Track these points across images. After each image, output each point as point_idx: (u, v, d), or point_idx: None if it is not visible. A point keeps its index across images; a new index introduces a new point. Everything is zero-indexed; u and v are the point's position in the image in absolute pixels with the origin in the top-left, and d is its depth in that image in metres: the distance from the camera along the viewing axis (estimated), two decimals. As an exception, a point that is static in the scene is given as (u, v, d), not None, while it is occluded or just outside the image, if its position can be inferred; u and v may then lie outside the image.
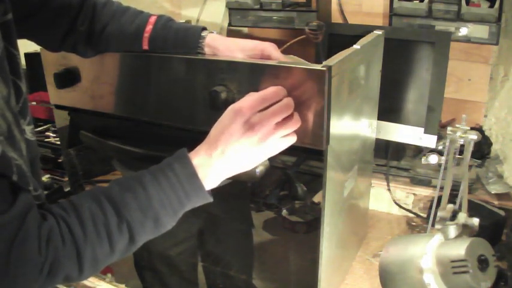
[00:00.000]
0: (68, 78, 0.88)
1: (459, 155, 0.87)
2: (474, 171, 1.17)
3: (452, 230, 0.75)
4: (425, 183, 1.18)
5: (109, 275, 1.04)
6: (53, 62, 0.89)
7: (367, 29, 0.96)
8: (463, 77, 1.25)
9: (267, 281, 1.02)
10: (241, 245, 1.04)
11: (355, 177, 0.91)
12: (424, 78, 1.11)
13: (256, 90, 0.68)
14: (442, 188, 0.86)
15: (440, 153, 0.90)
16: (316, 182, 0.74)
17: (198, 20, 1.53)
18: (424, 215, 1.16)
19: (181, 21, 0.82)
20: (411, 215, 1.19)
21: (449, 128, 0.86)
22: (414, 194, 1.19)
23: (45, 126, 1.52)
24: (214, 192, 0.64)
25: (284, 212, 0.90)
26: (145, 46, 0.77)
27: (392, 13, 1.20)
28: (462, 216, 0.78)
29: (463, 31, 1.14)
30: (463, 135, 0.85)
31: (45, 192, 1.25)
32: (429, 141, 1.12)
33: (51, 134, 1.48)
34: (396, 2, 1.18)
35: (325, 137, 0.68)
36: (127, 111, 0.86)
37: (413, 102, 1.13)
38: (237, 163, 0.63)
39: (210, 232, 1.05)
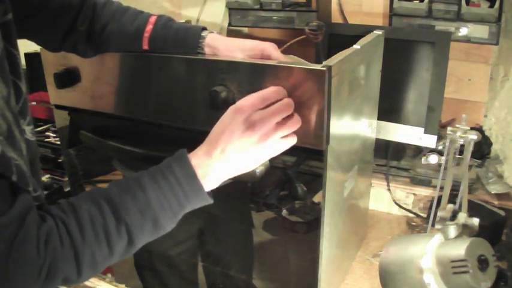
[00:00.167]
0: (68, 78, 0.88)
1: (459, 155, 0.87)
2: (474, 171, 1.17)
3: (452, 230, 0.75)
4: (425, 183, 1.18)
5: (109, 275, 1.04)
6: (53, 62, 0.89)
7: (367, 29, 0.96)
8: (463, 77, 1.25)
9: (267, 281, 1.02)
10: (241, 245, 1.04)
11: (355, 177, 0.91)
12: (424, 78, 1.11)
13: (257, 90, 0.68)
14: (442, 188, 0.86)
15: (440, 153, 0.90)
16: (316, 182, 0.74)
17: (198, 20, 1.53)
18: (424, 215, 1.16)
19: (181, 21, 0.82)
20: (411, 215, 1.19)
21: (449, 128, 0.86)
22: (414, 194, 1.19)
23: (45, 126, 1.52)
24: (215, 192, 0.64)
25: (284, 212, 0.90)
26: (145, 46, 0.77)
27: (392, 13, 1.20)
28: (462, 216, 0.78)
29: (463, 31, 1.14)
30: (463, 135, 0.85)
31: (45, 192, 1.25)
32: (429, 141, 1.12)
33: (51, 134, 1.48)
34: (396, 2, 1.18)
35: (325, 137, 0.68)
36: (127, 111, 0.86)
37: (413, 102, 1.13)
38: (237, 163, 0.62)
39: (210, 232, 1.05)
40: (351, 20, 1.32)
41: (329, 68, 0.64)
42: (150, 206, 0.58)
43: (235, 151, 0.61)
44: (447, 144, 0.87)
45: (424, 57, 1.10)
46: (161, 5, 1.60)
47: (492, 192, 1.10)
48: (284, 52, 0.83)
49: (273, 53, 0.73)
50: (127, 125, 0.88)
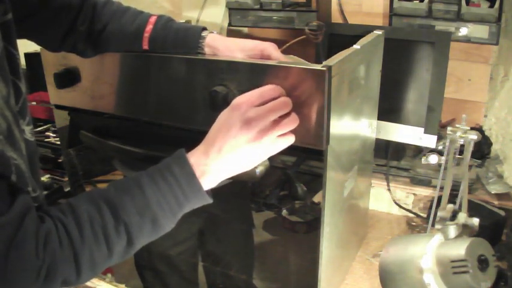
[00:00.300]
0: (68, 78, 0.88)
1: (459, 155, 0.87)
2: (474, 171, 1.17)
3: (452, 230, 0.75)
4: (425, 183, 1.18)
5: (109, 275, 1.04)
6: (53, 62, 0.89)
7: (367, 29, 0.96)
8: (463, 77, 1.25)
9: (267, 281, 1.02)
10: (241, 245, 1.04)
11: (355, 177, 0.91)
12: (424, 78, 1.11)
13: (256, 90, 0.68)
14: (442, 188, 0.86)
15: (440, 153, 0.90)
16: (316, 182, 0.74)
17: (198, 20, 1.53)
18: (424, 215, 1.16)
19: (181, 21, 0.82)
20: (411, 215, 1.19)
21: (449, 128, 0.86)
22: (414, 194, 1.19)
23: (45, 126, 1.52)
24: (215, 192, 0.64)
25: (284, 212, 0.90)
26: (146, 46, 0.77)
27: (392, 13, 1.20)
28: (462, 216, 0.78)
29: (463, 31, 1.14)
30: (463, 135, 0.85)
31: (45, 192, 1.25)
32: (429, 141, 1.12)
33: (51, 134, 1.48)
34: (396, 2, 1.18)
35: (325, 137, 0.68)
36: (127, 111, 0.86)
37: (413, 102, 1.13)
38: (234, 162, 0.62)
39: (211, 232, 1.05)
40: (351, 20, 1.32)
41: (329, 68, 0.64)
42: (149, 206, 0.58)
43: (232, 149, 0.61)
44: (447, 144, 0.87)
45: (424, 57, 1.10)
46: (161, 5, 1.60)
47: (492, 192, 1.10)
48: (284, 52, 0.83)
49: (273, 53, 0.73)
50: (127, 125, 0.88)
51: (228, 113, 0.62)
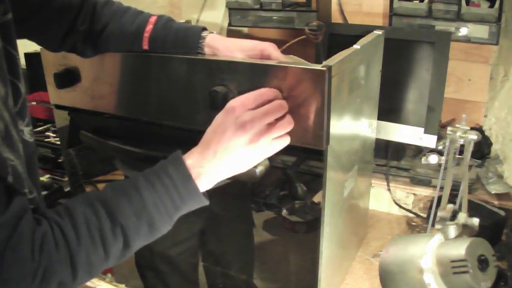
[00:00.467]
0: (68, 78, 0.88)
1: (459, 155, 0.87)
2: (474, 171, 1.17)
3: (452, 230, 0.76)
4: (425, 183, 1.18)
5: (109, 275, 1.04)
6: (53, 62, 0.89)
7: (367, 29, 0.96)
8: (463, 77, 1.25)
9: (267, 280, 1.02)
10: (241, 245, 1.04)
11: (355, 177, 0.91)
12: (424, 78, 1.11)
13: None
14: (442, 188, 0.86)
15: (440, 153, 0.90)
16: (316, 182, 0.74)
17: (198, 20, 1.53)
18: (424, 215, 1.16)
19: (181, 21, 0.82)
20: (411, 215, 1.19)
21: (449, 128, 0.86)
22: (414, 194, 1.19)
23: (45, 126, 1.52)
24: (215, 192, 0.64)
25: (284, 212, 0.90)
26: (145, 46, 0.77)
27: (392, 13, 1.20)
28: (462, 216, 0.78)
29: (463, 31, 1.14)
30: (463, 135, 0.85)
31: (45, 192, 1.25)
32: (429, 141, 1.12)
33: (51, 134, 1.48)
34: (396, 2, 1.18)
35: (325, 137, 0.68)
36: (127, 111, 0.86)
37: (413, 102, 1.13)
38: (230, 164, 0.62)
39: (211, 232, 1.05)
40: (351, 20, 1.32)
41: (329, 68, 0.64)
42: (145, 208, 0.58)
43: (227, 151, 0.61)
44: (447, 144, 0.87)
45: (424, 57, 1.10)
46: (161, 5, 1.60)
47: (492, 192, 1.10)
48: (284, 52, 0.83)
49: (273, 53, 0.73)
50: (127, 125, 0.88)
51: (222, 116, 0.62)
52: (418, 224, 1.16)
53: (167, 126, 0.81)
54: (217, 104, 0.70)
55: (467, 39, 1.15)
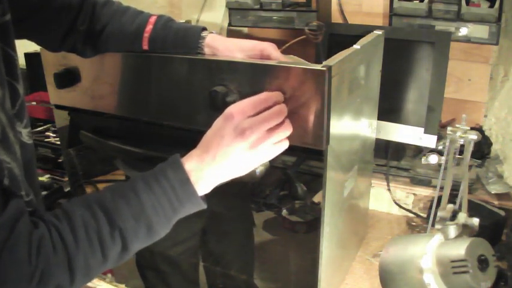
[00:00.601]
0: (68, 78, 0.88)
1: (459, 155, 0.87)
2: (474, 171, 1.17)
3: (452, 230, 0.75)
4: (425, 183, 1.18)
5: (109, 275, 1.04)
6: (53, 62, 0.89)
7: (367, 29, 0.96)
8: (463, 77, 1.25)
9: (267, 280, 1.02)
10: (242, 245, 1.04)
11: (355, 177, 0.91)
12: (424, 78, 1.11)
13: (257, 90, 0.68)
14: (442, 188, 0.86)
15: (440, 153, 0.90)
16: (316, 182, 0.74)
17: (198, 20, 1.53)
18: (424, 215, 1.16)
19: (181, 21, 0.82)
20: (411, 215, 1.19)
21: (449, 128, 0.86)
22: (414, 194, 1.19)
23: (45, 126, 1.52)
24: (216, 191, 0.64)
25: (284, 212, 0.90)
26: (145, 46, 0.77)
27: (392, 13, 1.20)
28: (462, 216, 0.78)
29: (463, 31, 1.14)
30: (463, 135, 0.85)
31: (45, 192, 1.25)
32: (429, 141, 1.12)
33: (51, 134, 1.48)
34: (396, 2, 1.18)
35: (325, 137, 0.68)
36: (127, 111, 0.86)
37: (413, 102, 1.13)
38: (229, 168, 0.62)
39: (212, 231, 1.05)
40: (351, 20, 1.32)
41: (329, 68, 0.64)
42: (144, 211, 0.58)
43: (226, 157, 0.61)
44: (447, 144, 0.87)
45: (424, 57, 1.10)
46: (161, 5, 1.60)
47: (492, 192, 1.10)
48: (284, 52, 0.83)
49: (273, 53, 0.73)
50: (127, 125, 0.88)
51: (221, 122, 0.62)
52: (418, 224, 1.16)
53: (167, 126, 0.81)
54: (217, 104, 0.70)
55: (467, 39, 1.15)
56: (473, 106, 1.27)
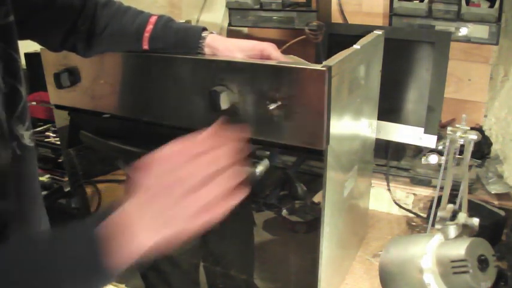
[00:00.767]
0: (68, 78, 0.88)
1: (459, 155, 0.87)
2: (474, 171, 1.17)
3: (452, 230, 0.75)
4: (425, 183, 1.18)
5: (109, 275, 1.04)
6: (53, 62, 0.89)
7: (367, 29, 0.96)
8: (463, 77, 1.25)
9: (267, 280, 1.02)
10: (242, 244, 1.04)
11: (355, 177, 0.91)
12: (424, 78, 1.11)
13: (257, 90, 0.68)
14: (442, 188, 0.86)
15: (440, 153, 0.90)
16: (316, 182, 0.74)
17: (198, 20, 1.53)
18: (424, 215, 1.16)
19: (181, 21, 0.82)
20: (411, 215, 1.19)
21: (449, 128, 0.86)
22: (414, 194, 1.19)
23: (45, 126, 1.52)
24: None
25: (284, 212, 0.90)
26: (146, 46, 0.77)
27: (392, 13, 1.20)
28: (462, 216, 0.78)
29: (463, 31, 1.14)
30: (463, 135, 0.85)
31: (45, 192, 1.25)
32: (429, 141, 1.12)
33: (51, 134, 1.48)
34: (396, 2, 1.18)
35: (325, 137, 0.68)
36: (127, 111, 0.86)
37: (413, 102, 1.13)
38: (160, 225, 0.48)
39: (212, 231, 1.05)
40: (351, 20, 1.32)
41: (329, 68, 0.64)
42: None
43: (152, 211, 0.48)
44: (447, 144, 0.87)
45: (424, 57, 1.10)
46: (161, 5, 1.60)
47: (492, 192, 1.10)
48: (284, 52, 0.83)
49: (273, 53, 0.73)
50: (127, 125, 0.88)
51: (150, 167, 0.50)
52: (418, 224, 1.16)
53: (167, 126, 0.81)
54: (217, 104, 0.70)
55: (467, 39, 1.15)
56: (473, 106, 1.27)
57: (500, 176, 1.15)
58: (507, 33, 1.17)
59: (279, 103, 0.67)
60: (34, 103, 1.52)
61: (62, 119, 0.99)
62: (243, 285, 1.01)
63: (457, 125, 0.87)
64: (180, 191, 0.47)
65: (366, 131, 0.95)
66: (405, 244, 0.76)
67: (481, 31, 1.12)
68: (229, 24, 1.39)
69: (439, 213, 0.80)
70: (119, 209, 0.48)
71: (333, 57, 0.71)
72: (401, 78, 1.13)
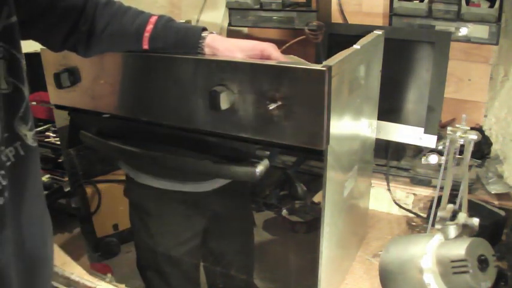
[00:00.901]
0: (68, 78, 0.88)
1: (459, 155, 0.87)
2: (474, 171, 1.17)
3: (452, 230, 0.75)
4: (425, 183, 1.18)
5: (109, 275, 1.04)
6: (53, 62, 0.89)
7: (367, 29, 0.96)
8: (463, 77, 1.25)
9: (267, 280, 1.02)
10: (242, 244, 1.04)
11: (355, 177, 0.91)
12: (424, 78, 1.11)
13: (257, 90, 0.68)
14: (442, 188, 0.86)
15: (440, 153, 0.90)
16: (316, 182, 0.74)
17: (198, 20, 1.53)
18: (424, 215, 1.16)
19: (181, 21, 0.82)
20: (411, 215, 1.19)
21: (449, 128, 0.86)
22: (414, 194, 1.19)
23: (45, 126, 1.52)
24: (217, 191, 0.64)
25: (284, 212, 0.90)
26: (146, 46, 0.77)
27: (392, 13, 1.20)
28: (462, 216, 0.78)
29: (463, 31, 1.14)
30: (463, 135, 0.85)
31: (45, 192, 1.25)
32: (429, 141, 1.12)
33: (51, 134, 1.48)
34: (396, 2, 1.18)
35: (325, 137, 0.68)
36: (127, 111, 0.86)
37: (413, 102, 1.13)
38: None
39: (212, 231, 1.06)
40: (351, 20, 1.32)
41: (329, 68, 0.64)
42: None
43: None
44: (447, 144, 0.87)
45: (424, 57, 1.10)
46: (161, 5, 1.60)
47: (492, 192, 1.10)
48: (284, 52, 0.83)
49: (273, 53, 0.73)
50: (127, 125, 0.88)
51: None
52: (418, 224, 1.16)
53: (167, 126, 0.81)
54: (217, 104, 0.70)
55: (467, 39, 1.15)
56: (473, 106, 1.27)
57: (500, 176, 1.15)
58: (507, 33, 1.17)
59: (279, 103, 0.67)
60: (34, 103, 1.52)
61: (62, 119, 0.99)
62: (242, 285, 1.01)
63: (457, 125, 0.87)
64: None
65: (366, 131, 0.95)
66: (405, 244, 0.76)
67: (481, 31, 1.12)
68: (229, 24, 1.39)
69: (439, 213, 0.80)
70: None
71: (333, 57, 0.71)
72: (401, 78, 1.13)
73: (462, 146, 0.86)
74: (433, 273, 0.69)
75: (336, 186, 0.80)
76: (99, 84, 0.86)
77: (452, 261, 0.66)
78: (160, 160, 0.83)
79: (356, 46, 0.80)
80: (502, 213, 1.02)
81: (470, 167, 1.16)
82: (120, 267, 1.10)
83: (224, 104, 0.70)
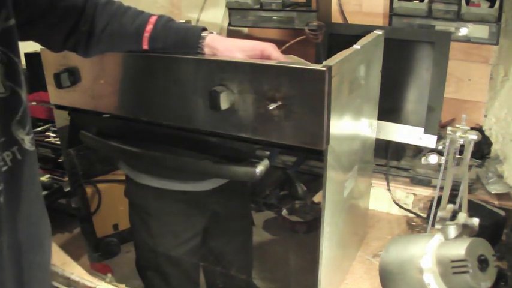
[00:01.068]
0: (68, 78, 0.88)
1: (459, 155, 0.87)
2: (474, 171, 1.17)
3: (452, 230, 0.75)
4: (425, 183, 1.18)
5: (109, 275, 1.04)
6: (53, 62, 0.89)
7: (367, 29, 0.96)
8: (463, 77, 1.25)
9: (267, 280, 1.02)
10: (242, 244, 1.04)
11: (355, 177, 0.91)
12: (424, 78, 1.11)
13: (256, 90, 0.68)
14: (442, 188, 0.86)
15: (440, 153, 0.90)
16: (316, 182, 0.74)
17: (198, 20, 1.53)
18: (424, 215, 1.16)
19: (181, 21, 0.82)
20: (411, 215, 1.19)
21: (449, 128, 0.86)
22: (414, 194, 1.19)
23: (45, 126, 1.52)
24: (217, 191, 0.64)
25: (284, 212, 0.90)
26: (146, 46, 0.77)
27: (392, 13, 1.20)
28: (462, 216, 0.78)
29: (463, 31, 1.14)
30: (463, 135, 0.85)
31: (45, 192, 1.25)
32: (429, 141, 1.12)
33: (51, 134, 1.48)
34: (396, 2, 1.18)
35: (325, 137, 0.68)
36: (127, 111, 0.86)
37: (413, 102, 1.13)
38: None
39: (212, 231, 1.06)
40: (351, 20, 1.32)
41: (329, 68, 0.64)
42: None
43: None
44: (447, 144, 0.87)
45: (424, 57, 1.10)
46: (161, 5, 1.60)
47: (492, 192, 1.10)
48: (284, 52, 0.83)
49: (273, 53, 0.73)
50: (127, 125, 0.88)
51: None
52: (418, 224, 1.16)
53: (167, 126, 0.81)
54: (217, 104, 0.70)
55: (467, 39, 1.15)
56: (473, 106, 1.27)
57: (500, 176, 1.15)
58: (507, 33, 1.17)
59: (279, 103, 0.67)
60: (34, 103, 1.52)
61: (62, 119, 0.99)
62: (242, 285, 1.01)
63: (457, 125, 0.87)
64: None
65: (366, 131, 0.95)
66: (405, 244, 0.76)
67: (481, 31, 1.12)
68: (229, 24, 1.39)
69: (439, 213, 0.80)
70: None
71: (333, 57, 0.71)
72: (401, 78, 1.13)
73: (462, 146, 0.86)
74: (433, 273, 0.69)
75: (336, 186, 0.80)
76: (99, 84, 0.86)
77: (452, 261, 0.66)
78: (160, 160, 0.83)
79: (356, 46, 0.80)
80: (502, 213, 1.02)
81: (470, 167, 1.16)
82: (120, 267, 1.10)
83: (224, 104, 0.70)
